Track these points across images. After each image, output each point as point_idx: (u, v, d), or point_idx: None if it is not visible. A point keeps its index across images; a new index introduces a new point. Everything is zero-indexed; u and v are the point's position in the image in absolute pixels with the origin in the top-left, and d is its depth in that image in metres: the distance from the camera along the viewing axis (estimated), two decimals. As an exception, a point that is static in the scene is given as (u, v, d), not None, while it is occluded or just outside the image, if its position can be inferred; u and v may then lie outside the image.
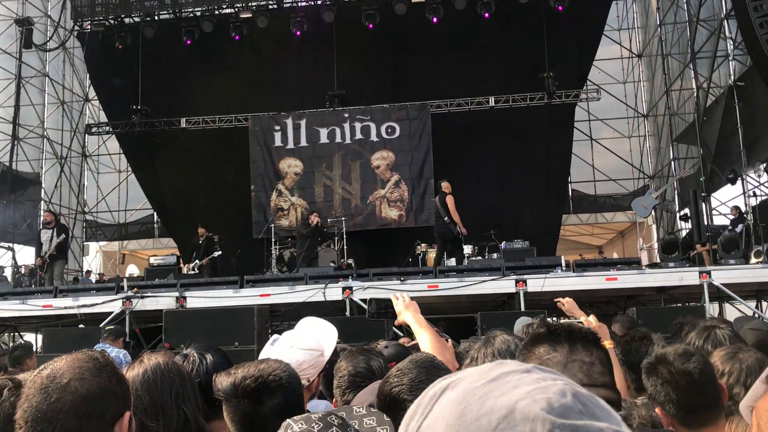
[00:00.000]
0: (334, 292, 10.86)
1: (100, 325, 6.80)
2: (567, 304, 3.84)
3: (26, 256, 21.40)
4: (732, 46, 15.76)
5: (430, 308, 12.55)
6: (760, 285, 11.55)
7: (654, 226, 20.37)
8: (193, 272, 14.13)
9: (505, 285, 10.85)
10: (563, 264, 11.41)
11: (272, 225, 16.10)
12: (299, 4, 19.05)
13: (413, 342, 4.35)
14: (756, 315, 11.16)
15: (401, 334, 7.85)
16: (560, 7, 17.06)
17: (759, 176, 14.85)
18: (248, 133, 18.51)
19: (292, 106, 18.57)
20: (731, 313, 12.19)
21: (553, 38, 17.26)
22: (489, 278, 10.90)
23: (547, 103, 17.83)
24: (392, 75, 18.89)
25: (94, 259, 24.56)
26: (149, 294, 11.40)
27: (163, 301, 11.22)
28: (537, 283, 10.70)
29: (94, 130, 20.99)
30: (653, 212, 16.04)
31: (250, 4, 18.47)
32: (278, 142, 18.47)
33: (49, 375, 1.54)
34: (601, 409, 0.71)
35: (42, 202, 22.25)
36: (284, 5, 18.86)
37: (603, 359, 1.54)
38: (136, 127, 18.69)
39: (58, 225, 13.93)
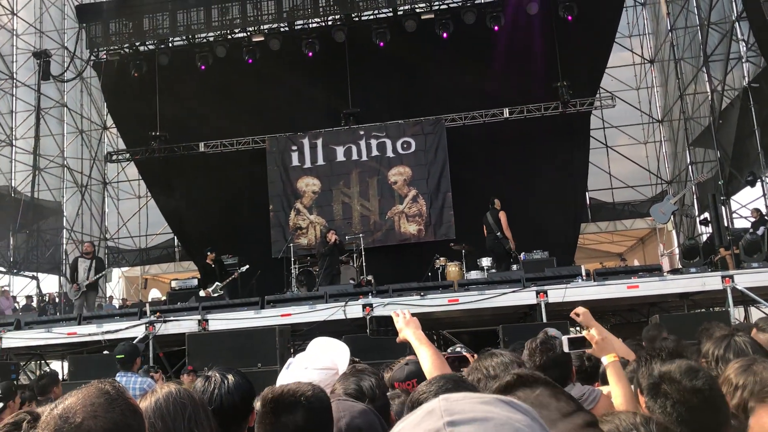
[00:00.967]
0: (354, 310, 10.88)
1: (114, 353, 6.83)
2: (582, 315, 3.82)
3: (50, 284, 21.65)
4: (745, 48, 15.67)
5: (452, 322, 12.57)
6: (785, 287, 11.40)
7: (674, 232, 20.21)
8: (215, 295, 14.19)
9: (525, 297, 10.80)
10: (583, 273, 11.32)
11: (291, 244, 16.17)
12: (310, 25, 19.22)
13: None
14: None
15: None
16: (569, 17, 17.09)
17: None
18: (266, 154, 18.67)
19: (308, 125, 18.72)
20: (757, 317, 12.04)
21: (564, 47, 17.28)
22: (509, 290, 10.86)
23: (561, 113, 17.81)
24: (406, 91, 18.97)
25: (116, 284, 24.78)
26: (172, 318, 11.48)
27: (185, 324, 11.30)
28: (558, 294, 10.65)
29: (114, 157, 21.23)
30: (672, 218, 15.93)
31: (261, 27, 18.67)
32: (295, 162, 18.60)
33: (61, 415, 1.53)
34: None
35: (64, 230, 22.53)
36: (295, 27, 19.05)
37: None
38: (156, 153, 18.90)
39: (96, 257, 14.50)
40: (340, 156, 18.48)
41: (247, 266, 14.68)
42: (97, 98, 23.93)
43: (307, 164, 18.57)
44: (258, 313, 11.31)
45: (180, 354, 10.63)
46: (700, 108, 18.50)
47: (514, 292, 10.83)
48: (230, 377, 2.78)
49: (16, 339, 11.85)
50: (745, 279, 10.46)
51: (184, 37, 19.16)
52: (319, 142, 18.53)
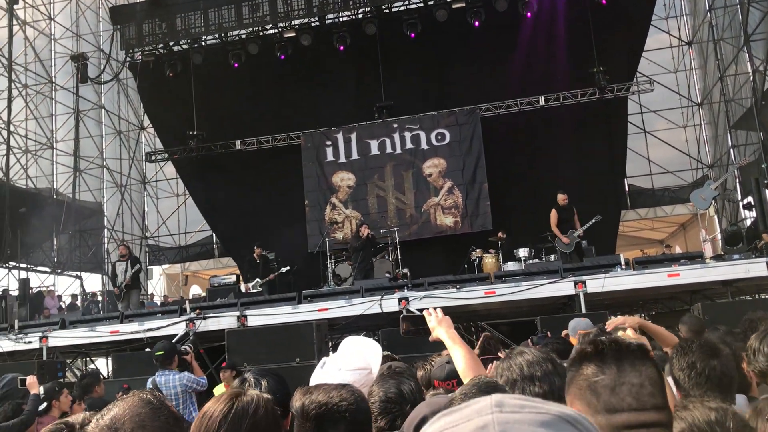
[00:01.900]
0: (390, 304, 10.87)
1: (152, 351, 6.95)
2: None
3: (93, 283, 22.11)
4: (787, 26, 15.25)
5: (489, 314, 12.49)
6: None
7: (716, 217, 19.78)
8: (254, 290, 14.34)
9: (563, 287, 10.65)
10: (623, 262, 11.13)
11: (327, 239, 16.23)
12: (340, 19, 19.21)
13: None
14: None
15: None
16: (603, 1, 16.80)
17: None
18: (300, 150, 18.76)
19: (342, 120, 18.73)
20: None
21: (599, 32, 16.97)
22: (547, 281, 10.72)
23: (598, 99, 17.53)
24: (438, 82, 18.87)
25: (158, 282, 25.19)
26: (211, 315, 11.61)
27: (224, 320, 11.42)
28: (597, 284, 10.49)
29: (153, 157, 21.53)
30: (714, 203, 15.58)
31: (293, 23, 18.73)
32: (330, 157, 18.65)
33: (110, 425, 1.56)
34: None
35: (105, 230, 22.96)
36: (326, 22, 19.06)
37: (653, 378, 1.49)
38: (194, 152, 19.13)
39: (131, 257, 14.74)
40: (374, 150, 18.47)
41: (288, 268, 14.82)
42: (134, 99, 24.29)
43: (342, 159, 18.61)
44: (295, 308, 11.37)
45: (220, 350, 10.76)
46: (741, 89, 18.04)
47: (551, 283, 10.69)
48: (265, 381, 2.78)
49: (61, 338, 12.12)
50: (792, 264, 10.19)
51: (216, 36, 19.31)
52: (353, 136, 18.55)
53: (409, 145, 18.29)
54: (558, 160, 17.93)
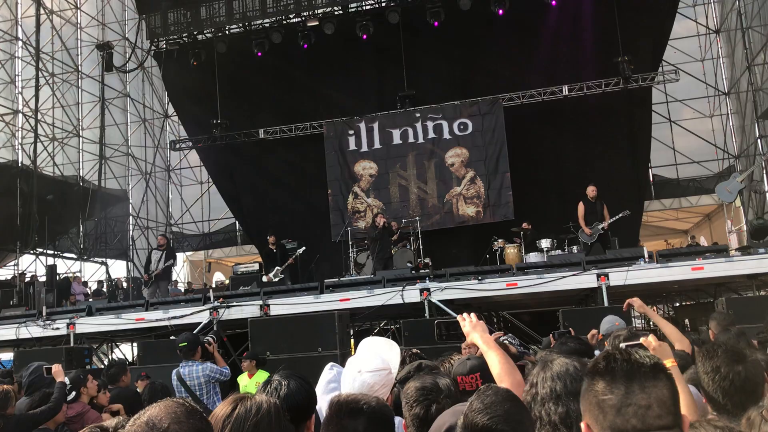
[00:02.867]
0: (412, 294, 10.91)
1: (176, 342, 7.06)
2: (635, 304, 3.73)
3: (118, 269, 22.40)
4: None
5: (511, 304, 12.50)
6: None
7: (742, 208, 19.53)
8: (276, 279, 14.44)
9: (586, 280, 10.62)
10: (646, 255, 11.05)
11: (349, 228, 16.29)
12: (364, 7, 19.17)
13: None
14: None
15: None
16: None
17: None
18: (323, 138, 18.80)
19: (364, 109, 18.73)
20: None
21: (624, 20, 16.77)
22: (569, 274, 10.68)
23: (623, 88, 17.35)
24: (461, 71, 18.79)
25: (181, 269, 25.45)
26: (234, 303, 11.73)
27: (247, 309, 11.54)
28: (620, 277, 10.44)
29: (177, 145, 21.72)
30: (740, 195, 15.39)
31: (316, 12, 18.72)
32: (352, 146, 18.68)
33: (148, 422, 1.65)
34: None
35: (130, 217, 23.23)
36: (349, 10, 19.02)
37: (662, 398, 1.50)
38: (218, 140, 19.25)
39: (168, 249, 15.24)
40: (397, 139, 18.46)
41: (304, 248, 14.89)
42: (158, 87, 24.48)
43: (364, 148, 18.62)
44: (317, 297, 11.46)
45: (243, 337, 10.88)
46: (769, 79, 17.78)
47: (573, 275, 10.66)
48: (288, 383, 2.82)
49: (88, 325, 12.33)
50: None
51: (240, 25, 19.37)
52: (376, 125, 18.55)
53: (431, 134, 18.26)
54: (581, 150, 17.82)
